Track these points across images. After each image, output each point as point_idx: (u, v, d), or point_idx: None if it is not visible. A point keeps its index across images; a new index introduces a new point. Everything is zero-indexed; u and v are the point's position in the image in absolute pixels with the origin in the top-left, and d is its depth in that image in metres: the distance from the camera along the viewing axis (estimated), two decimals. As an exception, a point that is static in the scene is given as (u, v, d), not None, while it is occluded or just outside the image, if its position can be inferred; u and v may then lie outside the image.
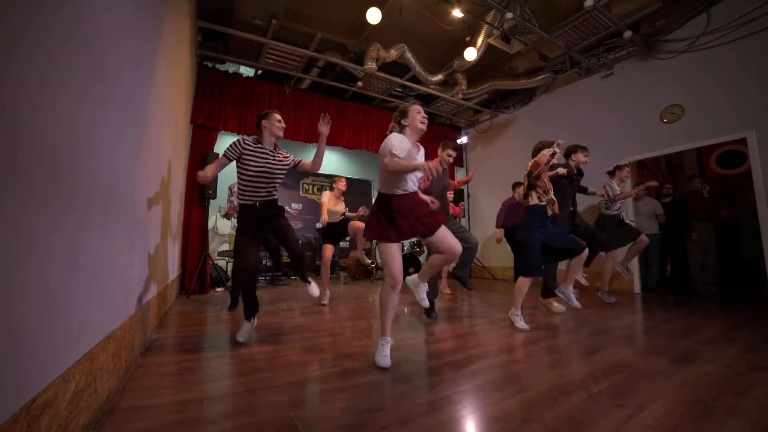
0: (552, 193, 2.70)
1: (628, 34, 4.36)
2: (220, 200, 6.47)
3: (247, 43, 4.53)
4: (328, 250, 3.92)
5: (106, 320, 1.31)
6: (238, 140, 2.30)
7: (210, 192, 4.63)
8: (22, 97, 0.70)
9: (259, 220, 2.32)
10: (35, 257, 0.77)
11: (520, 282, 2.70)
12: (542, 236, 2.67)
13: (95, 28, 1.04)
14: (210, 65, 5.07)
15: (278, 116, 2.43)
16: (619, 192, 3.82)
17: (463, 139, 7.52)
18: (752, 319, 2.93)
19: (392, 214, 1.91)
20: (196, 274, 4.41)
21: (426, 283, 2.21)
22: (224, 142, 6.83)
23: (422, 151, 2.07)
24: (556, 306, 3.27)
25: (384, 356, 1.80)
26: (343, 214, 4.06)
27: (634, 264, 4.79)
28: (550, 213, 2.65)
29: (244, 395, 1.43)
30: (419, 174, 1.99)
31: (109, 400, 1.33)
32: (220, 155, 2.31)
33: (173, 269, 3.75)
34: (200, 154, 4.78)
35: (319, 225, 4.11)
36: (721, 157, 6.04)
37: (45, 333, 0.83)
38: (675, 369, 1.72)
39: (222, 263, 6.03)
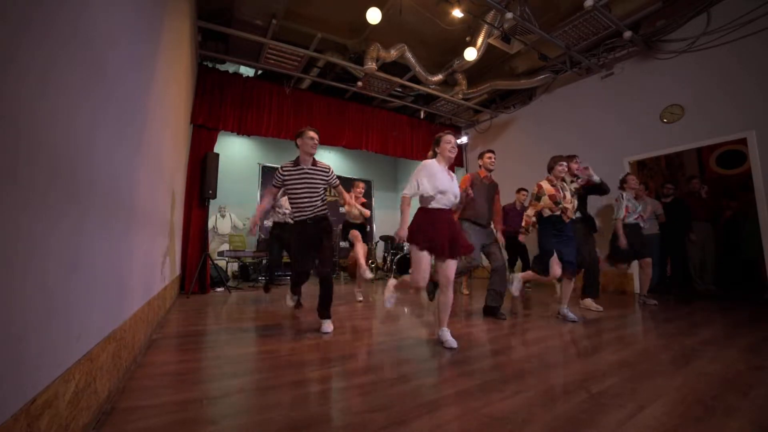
0: (566, 203, 2.98)
1: (628, 34, 4.35)
2: (220, 200, 6.48)
3: (247, 43, 4.52)
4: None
5: (106, 320, 1.31)
6: (278, 169, 2.59)
7: (210, 192, 4.63)
8: (22, 96, 0.70)
9: (311, 234, 2.60)
10: (35, 257, 0.77)
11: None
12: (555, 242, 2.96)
13: (95, 27, 1.04)
14: (210, 65, 5.08)
15: (311, 134, 2.56)
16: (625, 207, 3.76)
17: (463, 139, 7.52)
18: (752, 319, 2.93)
19: (435, 224, 2.14)
20: (196, 274, 4.41)
21: (446, 329, 2.20)
22: (224, 142, 6.85)
23: (455, 179, 2.30)
24: (594, 306, 3.48)
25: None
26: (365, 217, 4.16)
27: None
28: (566, 221, 2.98)
29: (244, 395, 1.43)
30: (452, 198, 2.22)
31: (109, 400, 1.33)
32: (269, 185, 2.70)
33: (173, 269, 3.75)
34: (200, 154, 4.78)
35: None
36: (721, 157, 6.04)
37: (45, 333, 0.83)
38: (675, 369, 1.72)
39: (222, 263, 6.03)
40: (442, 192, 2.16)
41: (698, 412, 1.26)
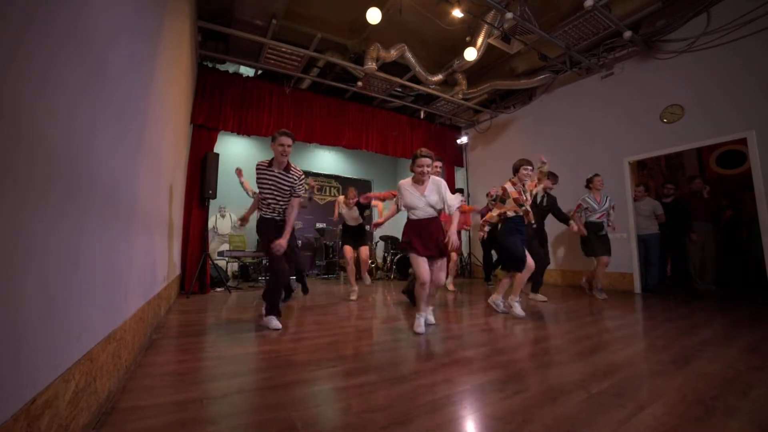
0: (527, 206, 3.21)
1: (628, 34, 4.35)
2: (220, 200, 6.48)
3: (247, 43, 4.52)
4: (348, 251, 4.24)
5: (106, 320, 1.31)
6: (257, 164, 2.67)
7: (210, 192, 4.63)
8: (22, 96, 0.70)
9: (279, 232, 2.66)
10: (35, 257, 0.77)
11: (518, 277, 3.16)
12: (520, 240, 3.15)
13: (95, 27, 1.04)
14: (210, 65, 5.07)
15: (282, 139, 2.58)
16: (595, 207, 4.14)
17: (463, 139, 7.52)
18: (752, 319, 2.93)
19: (415, 231, 2.53)
20: (196, 274, 4.41)
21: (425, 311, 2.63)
22: (224, 142, 6.85)
23: (432, 189, 2.56)
24: (540, 297, 4.02)
25: (419, 325, 2.48)
26: (363, 218, 4.34)
27: (635, 264, 4.80)
28: (526, 222, 3.16)
29: (244, 395, 1.43)
30: (427, 210, 2.55)
31: (109, 400, 1.33)
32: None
33: (173, 269, 3.75)
34: (200, 154, 4.78)
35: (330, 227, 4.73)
36: (721, 157, 6.04)
37: (45, 333, 0.83)
38: (675, 369, 1.72)
39: (222, 263, 6.03)
40: (411, 208, 2.57)
41: (698, 412, 1.26)
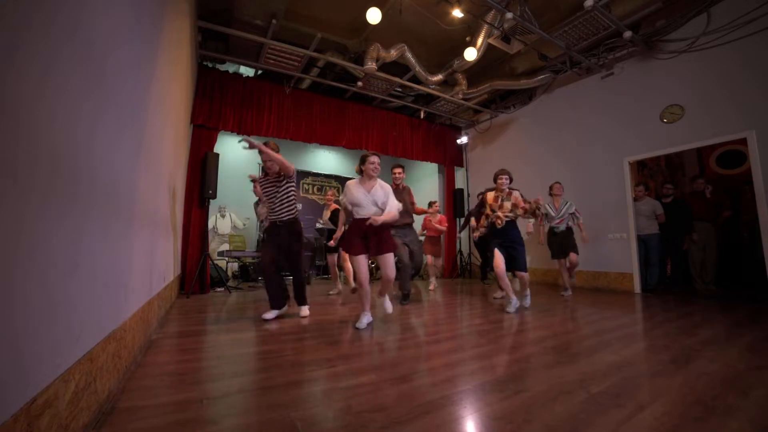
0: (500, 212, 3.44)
1: (628, 34, 4.35)
2: (220, 200, 6.48)
3: (247, 43, 4.52)
4: (330, 258, 4.75)
5: (106, 320, 1.31)
6: (257, 178, 3.11)
7: (210, 192, 4.63)
8: (22, 97, 0.70)
9: (278, 234, 2.95)
10: (35, 257, 0.77)
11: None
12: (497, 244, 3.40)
13: (95, 28, 1.04)
14: (210, 65, 5.07)
15: (264, 157, 2.84)
16: (545, 213, 4.37)
17: (463, 139, 7.52)
18: (752, 319, 2.93)
19: (359, 231, 2.64)
20: (196, 274, 4.41)
21: (387, 297, 2.86)
22: (224, 142, 6.85)
23: (380, 190, 2.71)
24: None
25: (362, 322, 2.65)
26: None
27: (634, 263, 4.80)
28: (498, 226, 3.40)
29: (244, 395, 1.43)
30: (371, 208, 2.67)
31: (109, 400, 1.33)
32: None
33: (173, 269, 3.75)
34: (200, 154, 4.78)
35: (319, 224, 5.02)
36: (721, 157, 6.04)
37: (45, 333, 0.83)
38: (675, 369, 1.72)
39: (222, 263, 6.02)
40: (356, 205, 2.68)
41: (698, 412, 1.26)
